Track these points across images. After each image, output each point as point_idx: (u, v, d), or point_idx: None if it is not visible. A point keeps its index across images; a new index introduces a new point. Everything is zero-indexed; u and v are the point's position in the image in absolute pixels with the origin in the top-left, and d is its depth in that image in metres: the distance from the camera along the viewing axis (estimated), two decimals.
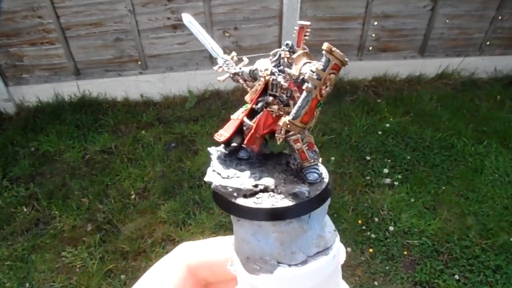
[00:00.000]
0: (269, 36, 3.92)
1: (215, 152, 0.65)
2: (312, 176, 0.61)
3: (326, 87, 0.59)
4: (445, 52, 4.23)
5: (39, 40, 3.73)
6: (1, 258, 2.69)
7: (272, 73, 0.66)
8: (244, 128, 0.68)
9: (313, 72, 0.56)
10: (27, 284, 2.53)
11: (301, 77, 0.61)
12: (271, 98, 0.68)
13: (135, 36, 3.77)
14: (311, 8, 3.79)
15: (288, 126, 0.56)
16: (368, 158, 3.28)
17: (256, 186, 0.53)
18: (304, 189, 0.53)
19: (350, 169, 3.19)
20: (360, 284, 2.46)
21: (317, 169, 0.63)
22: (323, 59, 0.57)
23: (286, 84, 0.64)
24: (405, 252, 2.62)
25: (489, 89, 4.18)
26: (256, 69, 0.68)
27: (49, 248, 2.73)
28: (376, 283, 2.46)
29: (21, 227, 2.89)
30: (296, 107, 0.59)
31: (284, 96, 0.69)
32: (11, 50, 3.78)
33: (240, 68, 0.70)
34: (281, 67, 0.63)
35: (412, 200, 2.94)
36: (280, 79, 0.63)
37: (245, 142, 0.68)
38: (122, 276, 2.52)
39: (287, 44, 0.61)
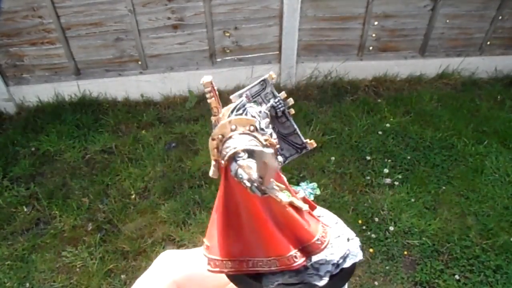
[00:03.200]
0: (269, 36, 3.92)
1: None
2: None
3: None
4: (445, 52, 4.23)
5: (39, 40, 3.73)
6: (1, 257, 2.69)
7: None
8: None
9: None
10: (28, 284, 2.53)
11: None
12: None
13: (136, 36, 3.77)
14: (311, 8, 3.79)
15: None
16: (368, 158, 3.28)
17: None
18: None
19: (350, 169, 3.19)
20: (360, 284, 2.46)
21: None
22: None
23: None
24: (405, 252, 2.62)
25: (489, 89, 4.18)
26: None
27: (49, 248, 2.73)
28: (376, 283, 2.46)
29: (22, 226, 2.89)
30: None
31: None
32: (11, 50, 3.77)
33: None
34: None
35: (413, 200, 2.94)
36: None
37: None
38: (123, 276, 2.52)
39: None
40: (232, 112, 0.58)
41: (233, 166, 0.54)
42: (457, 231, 2.72)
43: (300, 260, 0.56)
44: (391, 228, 2.73)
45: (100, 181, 3.18)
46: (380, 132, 3.53)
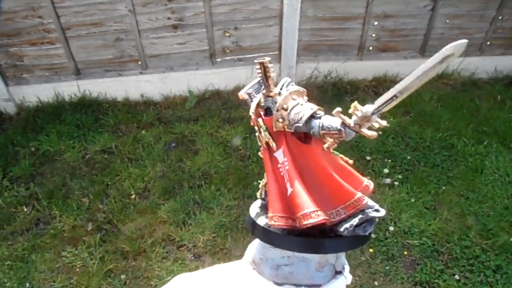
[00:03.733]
0: (269, 36, 3.92)
1: None
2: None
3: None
4: None
5: (39, 40, 3.74)
6: (1, 258, 2.69)
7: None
8: None
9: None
10: (27, 284, 2.53)
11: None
12: None
13: (135, 36, 3.77)
14: (311, 8, 3.79)
15: None
16: (368, 158, 3.28)
17: None
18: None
19: None
20: (360, 284, 2.46)
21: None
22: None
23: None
24: (405, 252, 2.62)
25: (489, 89, 4.18)
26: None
27: (49, 248, 2.73)
28: (376, 283, 2.46)
29: (21, 227, 2.89)
30: None
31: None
32: (11, 50, 3.78)
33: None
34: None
35: (412, 200, 2.94)
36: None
37: None
38: (122, 276, 2.52)
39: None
40: (281, 88, 0.65)
41: (314, 122, 0.61)
42: (457, 231, 2.72)
43: (366, 199, 0.63)
44: (391, 228, 2.73)
45: (100, 181, 3.18)
46: (380, 132, 3.52)
